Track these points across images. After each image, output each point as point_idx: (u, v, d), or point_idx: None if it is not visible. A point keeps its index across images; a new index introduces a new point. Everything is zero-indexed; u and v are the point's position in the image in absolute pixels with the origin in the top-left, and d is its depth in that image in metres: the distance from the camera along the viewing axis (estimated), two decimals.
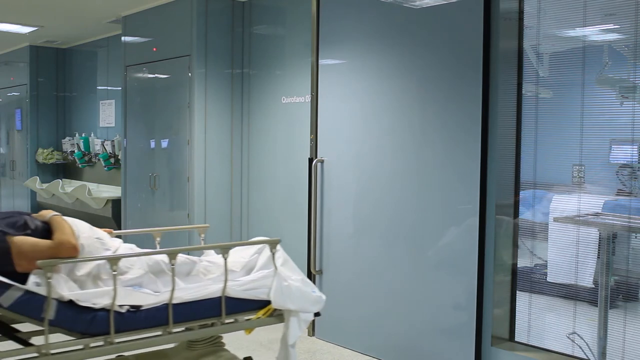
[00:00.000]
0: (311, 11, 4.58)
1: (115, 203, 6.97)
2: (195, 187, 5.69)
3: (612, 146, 3.40)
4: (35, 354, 2.35)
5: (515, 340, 3.70)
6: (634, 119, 3.25)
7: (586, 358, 3.42)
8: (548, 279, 3.70)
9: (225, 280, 2.67)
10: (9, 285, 2.32)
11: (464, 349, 3.68)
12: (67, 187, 8.12)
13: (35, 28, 7.55)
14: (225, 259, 2.69)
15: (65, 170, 8.97)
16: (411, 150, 3.98)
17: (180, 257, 2.69)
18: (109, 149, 7.67)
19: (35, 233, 2.58)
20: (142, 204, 6.44)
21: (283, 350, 2.83)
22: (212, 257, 3.06)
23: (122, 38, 6.62)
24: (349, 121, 4.39)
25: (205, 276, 2.83)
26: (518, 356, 3.58)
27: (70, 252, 2.51)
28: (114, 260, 2.46)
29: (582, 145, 3.43)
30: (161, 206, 6.20)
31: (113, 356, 2.74)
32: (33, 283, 2.36)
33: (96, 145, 7.97)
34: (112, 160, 7.72)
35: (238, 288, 2.73)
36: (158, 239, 3.24)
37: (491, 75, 3.58)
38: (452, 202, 3.75)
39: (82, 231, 2.67)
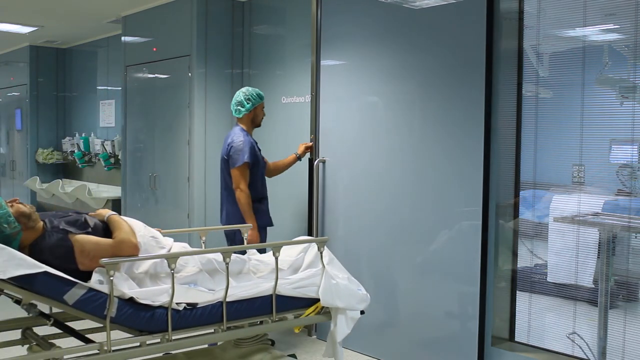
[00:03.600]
0: (311, 11, 4.58)
1: (115, 203, 6.97)
2: (195, 187, 5.68)
3: (612, 146, 3.39)
4: (96, 351, 2.37)
5: (516, 340, 3.69)
6: (634, 119, 3.25)
7: (586, 358, 3.42)
8: (548, 279, 3.69)
9: (277, 279, 2.71)
10: (74, 283, 2.34)
11: (464, 349, 3.68)
12: (67, 187, 8.11)
13: (35, 28, 7.55)
14: (277, 258, 2.72)
15: (65, 170, 8.97)
16: (413, 151, 3.98)
17: (232, 255, 2.71)
18: (109, 149, 7.67)
19: (94, 232, 2.62)
20: (142, 204, 6.44)
21: (330, 347, 2.87)
22: (257, 255, 3.10)
23: (122, 38, 6.62)
24: (350, 122, 4.39)
25: (255, 274, 2.88)
26: (518, 356, 3.58)
27: (131, 251, 2.56)
28: (172, 259, 2.47)
29: (582, 145, 3.42)
30: (161, 206, 6.20)
31: (161, 353, 2.77)
32: (96, 281, 2.38)
33: (96, 145, 7.97)
34: (112, 160, 7.72)
35: (289, 286, 2.77)
36: (204, 238, 3.27)
37: (493, 75, 3.58)
38: (454, 202, 3.75)
39: (138, 230, 2.71)
